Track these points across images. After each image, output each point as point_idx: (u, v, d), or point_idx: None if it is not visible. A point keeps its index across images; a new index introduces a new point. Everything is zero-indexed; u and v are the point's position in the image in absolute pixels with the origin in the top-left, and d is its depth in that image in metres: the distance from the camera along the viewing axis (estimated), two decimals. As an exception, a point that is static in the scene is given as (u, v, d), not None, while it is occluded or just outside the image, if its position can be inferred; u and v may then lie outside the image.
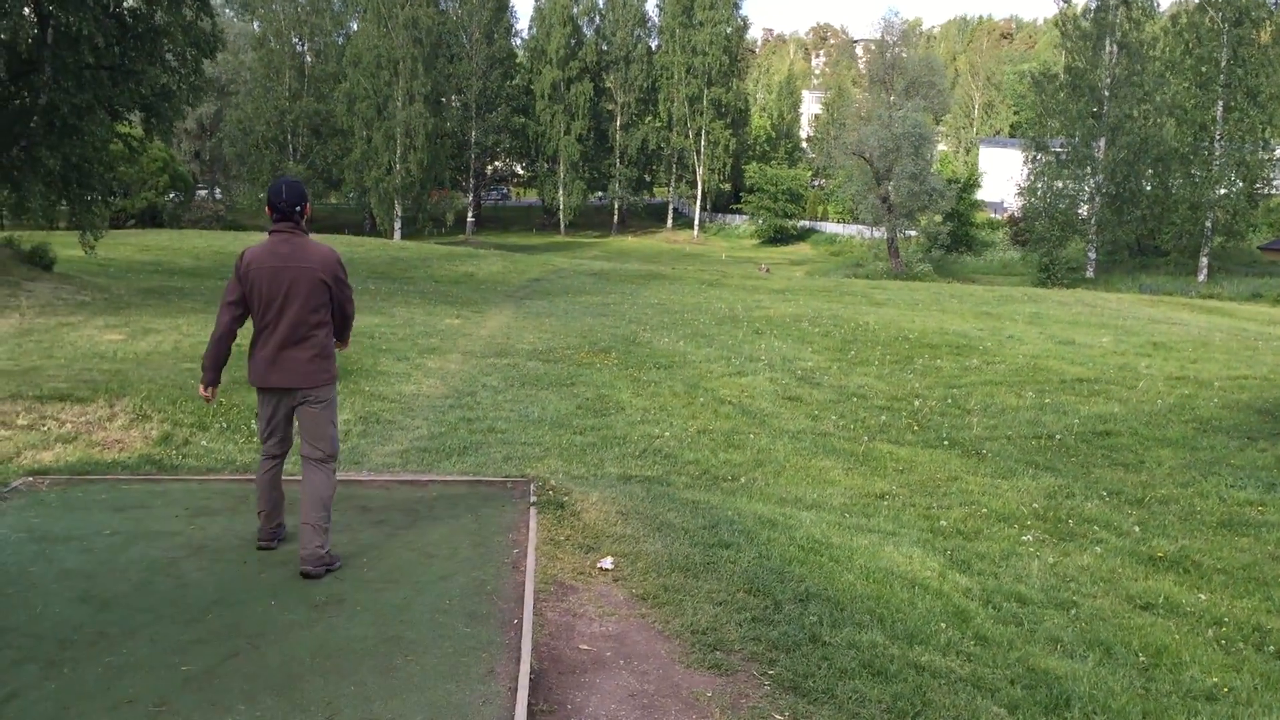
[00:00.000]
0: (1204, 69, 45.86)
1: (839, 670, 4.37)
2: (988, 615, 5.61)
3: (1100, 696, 4.66)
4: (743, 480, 8.26)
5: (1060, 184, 49.71)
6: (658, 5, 77.89)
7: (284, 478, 5.35)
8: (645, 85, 76.14)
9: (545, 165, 75.72)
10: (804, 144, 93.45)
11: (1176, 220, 46.37)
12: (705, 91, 73.95)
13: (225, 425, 8.65)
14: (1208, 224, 45.77)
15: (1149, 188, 48.57)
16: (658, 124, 76.77)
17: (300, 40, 66.88)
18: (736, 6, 75.80)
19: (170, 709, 3.72)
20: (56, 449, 7.61)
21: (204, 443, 8.23)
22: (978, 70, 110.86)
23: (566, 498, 6.46)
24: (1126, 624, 5.77)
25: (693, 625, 4.69)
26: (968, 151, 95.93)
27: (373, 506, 6.15)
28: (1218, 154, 45.47)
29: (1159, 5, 51.79)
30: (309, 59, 66.70)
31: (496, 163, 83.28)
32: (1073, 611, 5.87)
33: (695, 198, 77.26)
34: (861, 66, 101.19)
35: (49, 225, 31.39)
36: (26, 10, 17.35)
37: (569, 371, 12.46)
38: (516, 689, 3.91)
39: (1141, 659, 5.30)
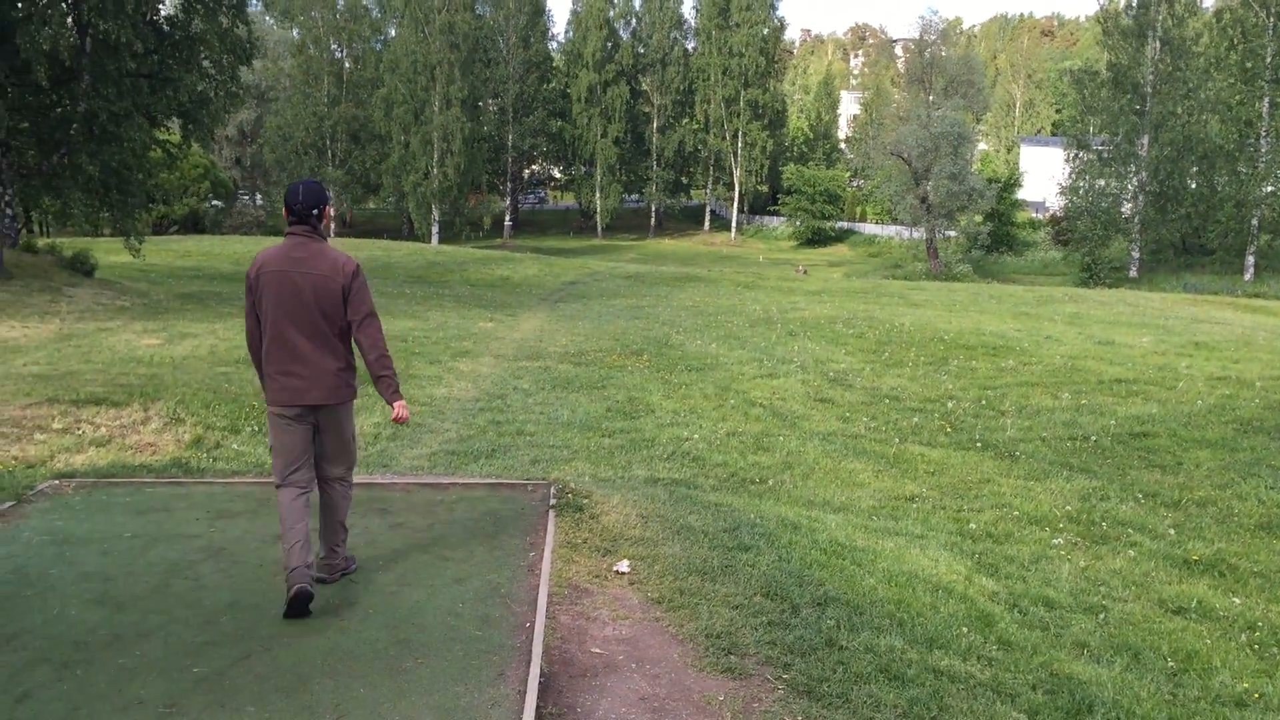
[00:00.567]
0: (1249, 64, 44.95)
1: (855, 674, 4.30)
2: (1013, 619, 5.50)
3: (1125, 702, 4.55)
4: (770, 483, 8.19)
5: (1103, 182, 48.94)
6: (694, 7, 77.72)
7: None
8: (681, 87, 75.94)
9: (582, 168, 75.78)
10: (842, 144, 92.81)
11: (1222, 218, 45.46)
12: (742, 93, 73.63)
13: (256, 428, 8.75)
14: (1254, 222, 44.86)
15: (1193, 185, 47.68)
16: (694, 126, 76.58)
17: (339, 47, 67.45)
18: (773, 8, 75.37)
19: (179, 710, 3.75)
20: (89, 452, 7.73)
21: (235, 445, 8.33)
22: (1019, 68, 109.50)
23: (586, 500, 6.43)
24: (1157, 628, 5.64)
25: (707, 629, 4.65)
26: (1009, 150, 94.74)
27: (392, 509, 6.16)
28: (1264, 151, 44.52)
29: (1202, 1, 50.91)
30: (347, 65, 67.25)
31: (533, 166, 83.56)
32: (1101, 616, 5.74)
33: (732, 200, 76.88)
34: (900, 66, 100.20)
35: (93, 232, 31.93)
36: (69, 20, 17.68)
37: (600, 374, 12.44)
38: (526, 692, 3.89)
39: (1170, 664, 5.17)
